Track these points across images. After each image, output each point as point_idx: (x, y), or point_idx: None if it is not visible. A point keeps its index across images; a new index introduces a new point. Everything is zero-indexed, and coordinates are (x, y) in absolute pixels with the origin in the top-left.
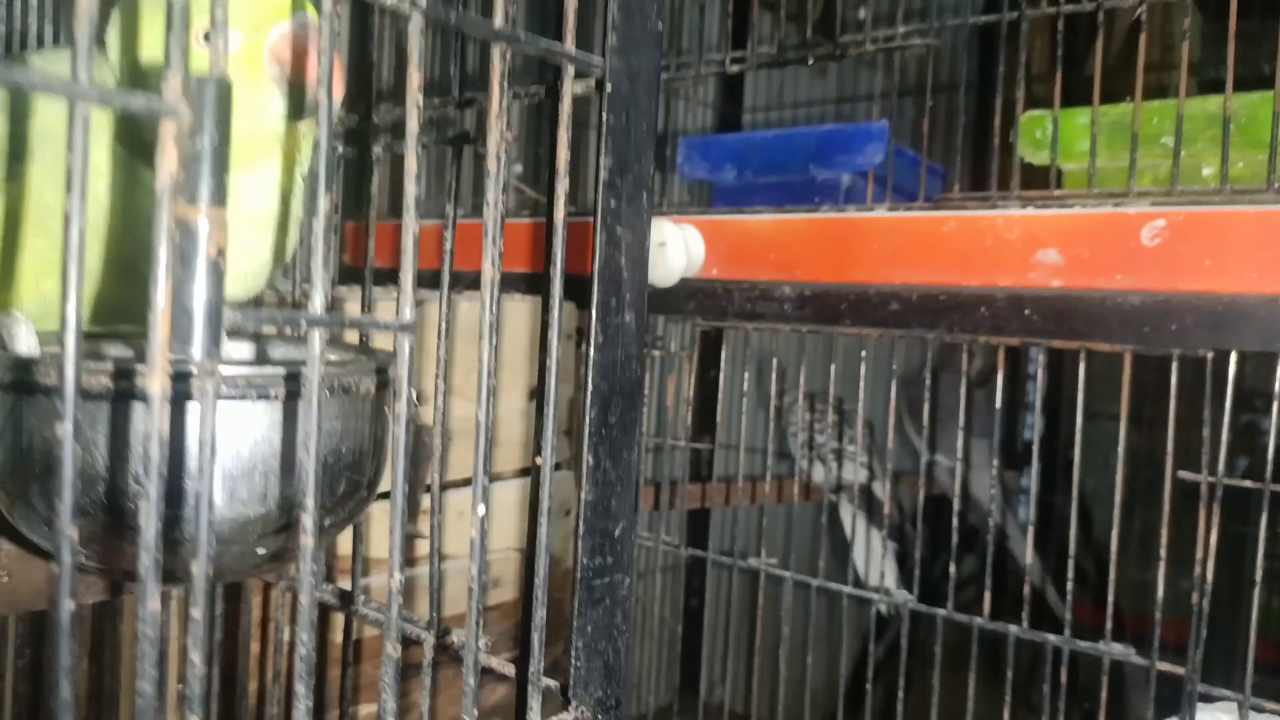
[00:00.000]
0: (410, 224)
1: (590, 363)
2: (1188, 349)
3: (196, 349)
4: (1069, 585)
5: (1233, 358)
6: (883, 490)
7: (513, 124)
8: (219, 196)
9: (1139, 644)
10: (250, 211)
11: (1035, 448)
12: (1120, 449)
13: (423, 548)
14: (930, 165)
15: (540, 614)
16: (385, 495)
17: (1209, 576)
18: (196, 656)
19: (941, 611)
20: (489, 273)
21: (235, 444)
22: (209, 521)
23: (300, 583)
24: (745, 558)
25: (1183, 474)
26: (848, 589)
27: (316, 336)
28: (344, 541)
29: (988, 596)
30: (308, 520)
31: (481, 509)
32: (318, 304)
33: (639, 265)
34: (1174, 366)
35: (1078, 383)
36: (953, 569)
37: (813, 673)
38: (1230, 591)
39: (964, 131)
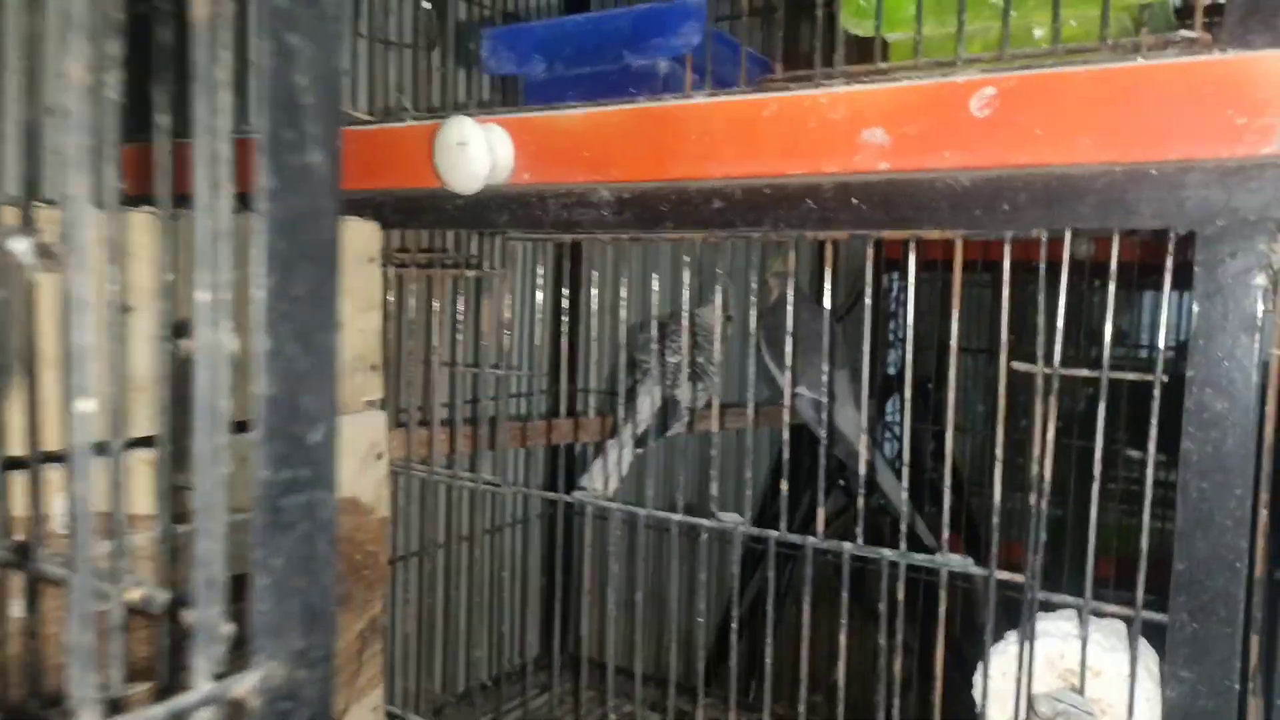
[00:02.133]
0: None
1: (262, 214)
2: (1021, 229)
3: None
4: (903, 496)
5: (1067, 236)
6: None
7: None
8: None
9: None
10: None
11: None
12: (953, 343)
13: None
14: (753, 54)
15: (209, 544)
16: (145, 441)
17: (1047, 475)
18: None
19: (774, 533)
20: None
21: None
22: None
23: None
24: (569, 492)
25: (1016, 365)
26: (675, 517)
27: None
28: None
29: (821, 514)
30: None
31: (88, 405)
32: None
33: (328, 90)
34: (1006, 250)
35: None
36: (784, 486)
37: (650, 612)
38: (1081, 515)
39: (784, 5)
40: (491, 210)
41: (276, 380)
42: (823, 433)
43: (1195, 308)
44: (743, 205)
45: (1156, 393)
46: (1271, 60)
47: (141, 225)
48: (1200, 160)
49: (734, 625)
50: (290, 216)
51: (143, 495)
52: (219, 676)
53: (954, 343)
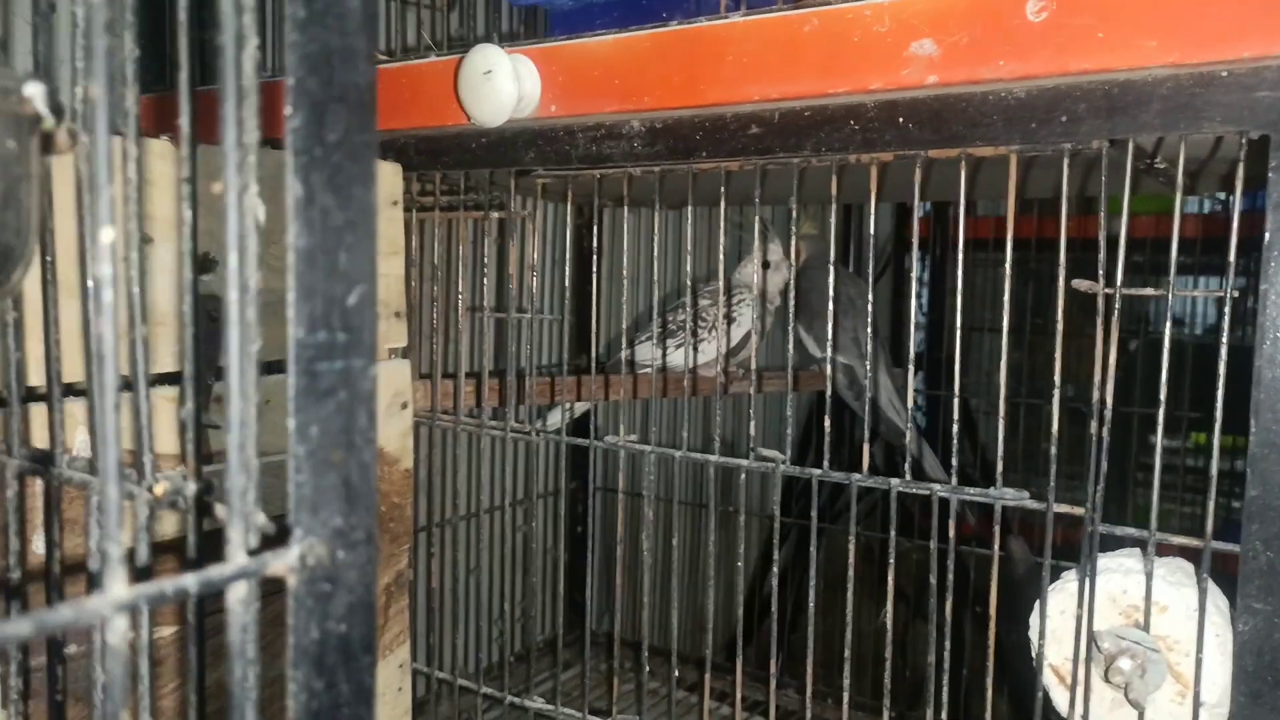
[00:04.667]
0: None
1: (291, 46)
2: (1080, 141)
3: None
4: (954, 440)
5: (1130, 149)
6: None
7: None
8: None
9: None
10: None
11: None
12: (1008, 276)
13: (220, 444)
14: None
15: (241, 405)
16: (172, 378)
17: (1109, 400)
18: None
19: (816, 471)
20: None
21: None
22: None
23: None
24: (601, 438)
25: (1076, 283)
26: (713, 458)
27: None
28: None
29: (866, 449)
30: None
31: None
32: None
33: None
34: (1065, 165)
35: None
36: (827, 423)
37: (689, 590)
38: (1119, 492)
39: None
40: (517, 146)
41: (310, 231)
42: (850, 395)
43: (1269, 217)
44: (781, 129)
45: (1228, 308)
46: None
47: (161, 153)
48: (1276, 56)
49: (774, 569)
50: (321, 52)
51: (165, 434)
52: (254, 553)
53: (1009, 274)
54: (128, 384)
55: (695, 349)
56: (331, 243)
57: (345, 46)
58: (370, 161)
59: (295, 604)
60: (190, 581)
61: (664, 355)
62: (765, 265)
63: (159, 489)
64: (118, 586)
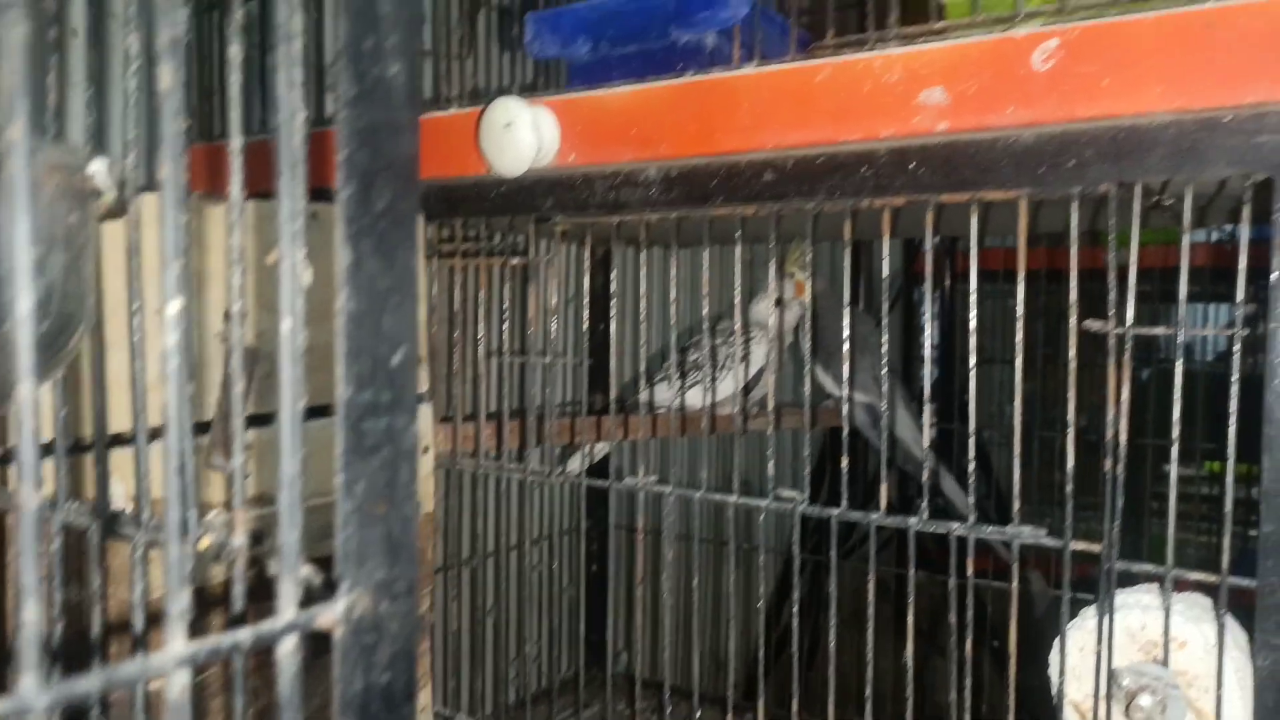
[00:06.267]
0: None
1: (341, 122)
2: (1088, 185)
3: None
4: (970, 477)
5: (1137, 190)
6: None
7: None
8: None
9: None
10: None
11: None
12: (1020, 314)
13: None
14: (802, 33)
15: (292, 463)
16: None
17: (1122, 439)
18: None
19: (835, 511)
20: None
21: None
22: None
23: None
24: (620, 479)
25: (1089, 323)
26: (733, 499)
27: None
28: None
29: (884, 489)
30: None
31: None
32: None
33: (406, 1)
34: (1074, 207)
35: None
36: (844, 463)
37: (711, 627)
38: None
39: None
40: (536, 195)
41: (358, 295)
42: (875, 434)
43: (1275, 258)
44: (795, 176)
45: (1237, 347)
46: None
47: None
48: (1277, 103)
49: (795, 607)
50: (369, 127)
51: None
52: (303, 607)
53: (1021, 314)
54: (156, 434)
55: (712, 388)
56: (378, 306)
57: (391, 120)
58: (412, 227)
59: (341, 655)
60: (245, 636)
61: (682, 393)
62: (779, 302)
63: (203, 542)
64: (179, 642)
